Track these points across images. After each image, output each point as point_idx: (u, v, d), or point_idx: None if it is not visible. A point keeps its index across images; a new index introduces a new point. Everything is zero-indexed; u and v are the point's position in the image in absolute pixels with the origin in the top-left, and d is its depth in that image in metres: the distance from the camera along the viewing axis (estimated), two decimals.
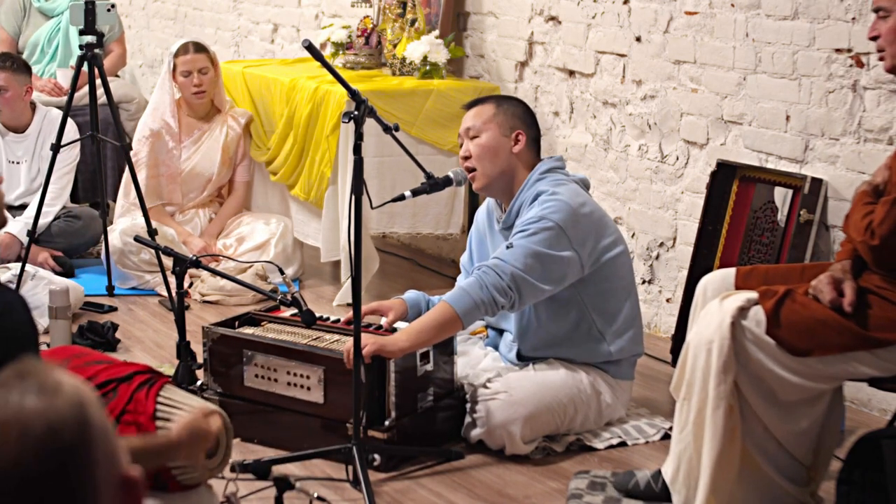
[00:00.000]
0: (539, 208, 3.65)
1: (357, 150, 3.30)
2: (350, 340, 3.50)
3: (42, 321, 4.60)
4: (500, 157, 3.78)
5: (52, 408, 1.38)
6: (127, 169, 5.49)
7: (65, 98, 5.47)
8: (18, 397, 1.39)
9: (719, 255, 4.37)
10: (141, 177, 5.37)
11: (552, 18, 5.24)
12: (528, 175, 3.78)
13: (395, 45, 5.60)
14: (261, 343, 3.72)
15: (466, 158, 3.82)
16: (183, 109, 5.60)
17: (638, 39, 4.83)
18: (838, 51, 4.04)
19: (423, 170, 3.67)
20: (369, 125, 3.43)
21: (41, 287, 4.69)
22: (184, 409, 2.91)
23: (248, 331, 3.86)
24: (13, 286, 4.69)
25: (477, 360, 3.93)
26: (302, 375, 3.63)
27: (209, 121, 5.64)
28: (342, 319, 3.90)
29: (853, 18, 3.98)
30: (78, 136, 5.42)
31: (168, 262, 4.66)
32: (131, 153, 5.50)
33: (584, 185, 3.83)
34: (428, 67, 5.36)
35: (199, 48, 5.52)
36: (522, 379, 3.71)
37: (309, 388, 3.63)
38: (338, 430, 3.53)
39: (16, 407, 1.38)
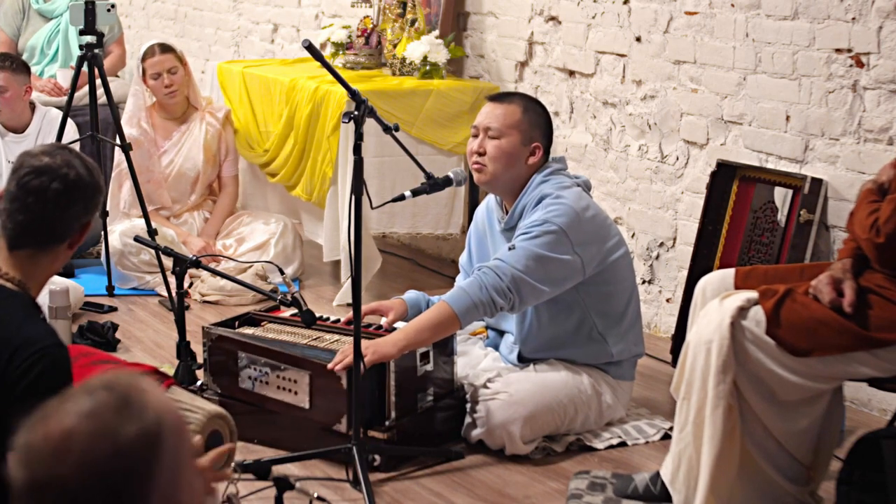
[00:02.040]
0: (543, 212, 3.64)
1: (357, 150, 3.30)
2: (348, 343, 3.51)
3: None
4: (514, 164, 3.76)
5: (124, 430, 1.34)
6: (112, 180, 5.50)
7: (65, 98, 5.48)
8: (96, 409, 1.35)
9: (719, 255, 4.37)
10: (126, 187, 5.37)
11: (552, 18, 5.24)
12: (532, 176, 3.77)
13: (395, 45, 5.60)
14: (253, 346, 3.72)
15: (480, 154, 3.78)
16: (158, 113, 5.59)
17: (638, 39, 4.83)
18: (838, 51, 4.04)
19: (423, 170, 3.66)
20: (369, 125, 3.43)
21: None
22: (190, 411, 2.92)
23: (247, 331, 3.86)
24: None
25: (477, 361, 3.93)
26: (290, 380, 3.63)
27: (186, 121, 5.62)
28: (342, 319, 3.90)
29: (853, 18, 3.98)
30: (78, 136, 5.42)
31: (168, 262, 4.66)
32: (113, 163, 5.51)
33: (586, 186, 3.82)
34: (428, 67, 5.36)
35: (166, 49, 5.51)
36: (523, 379, 3.71)
37: (296, 393, 3.62)
38: (327, 434, 3.52)
39: (89, 419, 1.34)
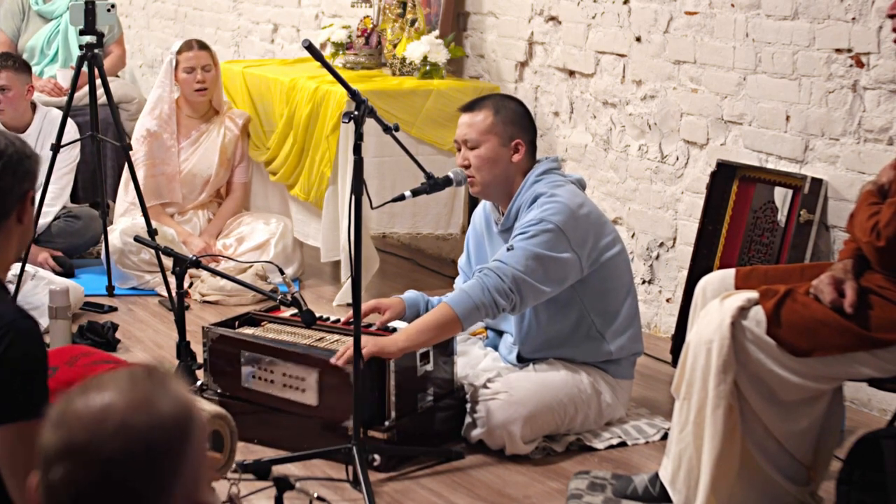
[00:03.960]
0: (538, 210, 3.64)
1: (357, 150, 3.30)
2: (348, 342, 3.51)
3: (42, 321, 4.60)
4: (499, 166, 3.76)
5: (163, 406, 1.38)
6: (126, 168, 5.50)
7: (65, 98, 5.48)
8: (136, 384, 1.39)
9: (719, 256, 4.36)
10: (139, 176, 5.37)
11: (552, 18, 5.24)
12: (524, 177, 3.78)
13: (395, 45, 5.59)
14: (257, 344, 3.72)
15: (466, 167, 3.79)
16: (182, 109, 5.61)
17: (638, 39, 4.83)
18: (838, 51, 4.04)
19: (423, 170, 3.66)
20: (369, 125, 3.43)
21: (41, 287, 4.69)
22: None
23: (247, 331, 3.86)
24: (13, 286, 4.69)
25: (477, 361, 3.93)
26: (297, 377, 3.63)
27: (207, 122, 5.65)
28: (342, 319, 3.90)
29: (853, 18, 3.98)
30: (78, 136, 5.43)
31: (168, 262, 4.66)
32: (129, 152, 5.51)
33: (581, 185, 3.83)
34: (428, 67, 5.36)
35: (203, 46, 5.57)
36: (522, 379, 3.71)
37: (304, 390, 3.62)
38: (336, 431, 3.53)
39: (129, 392, 1.38)
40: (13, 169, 2.40)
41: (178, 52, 5.53)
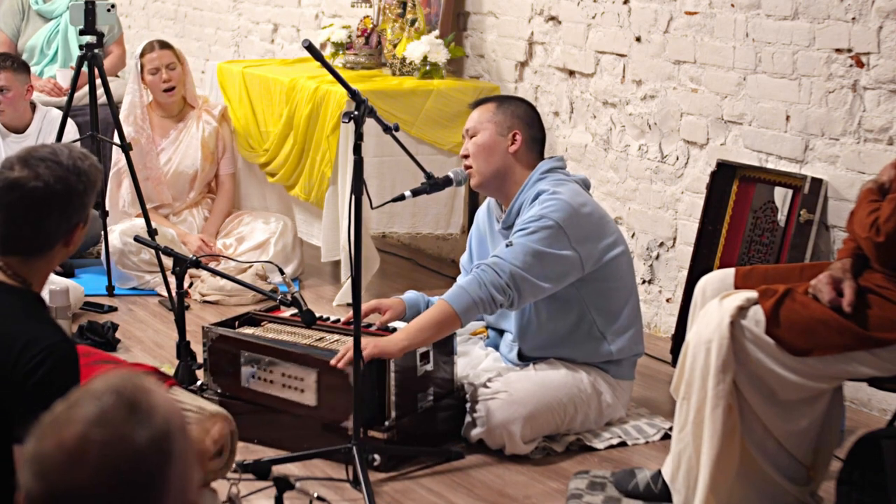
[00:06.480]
0: (539, 207, 3.65)
1: (357, 150, 3.30)
2: (348, 342, 3.51)
3: None
4: (495, 155, 3.79)
5: (138, 436, 1.34)
6: (110, 179, 5.50)
7: (64, 98, 5.48)
8: (107, 415, 1.35)
9: (719, 255, 4.37)
10: (125, 185, 5.38)
11: (552, 18, 5.25)
12: (527, 175, 3.79)
13: (395, 45, 5.60)
14: (257, 344, 3.72)
15: (466, 157, 3.85)
16: (155, 111, 5.60)
17: (638, 39, 4.83)
18: (838, 51, 4.04)
19: (423, 170, 3.67)
20: (369, 125, 3.43)
21: None
22: (191, 411, 2.92)
23: (247, 331, 3.86)
24: None
25: (477, 361, 3.93)
26: (296, 378, 3.63)
27: (184, 118, 5.64)
28: (342, 319, 3.90)
29: (853, 18, 3.98)
30: (78, 136, 5.43)
31: (168, 262, 4.66)
32: (112, 162, 5.51)
33: (585, 185, 3.83)
34: (428, 67, 5.36)
35: (164, 45, 5.55)
36: (522, 378, 3.71)
37: (303, 391, 3.62)
38: (335, 432, 3.53)
39: (101, 426, 1.34)
40: (61, 208, 2.36)
41: (141, 55, 5.51)
